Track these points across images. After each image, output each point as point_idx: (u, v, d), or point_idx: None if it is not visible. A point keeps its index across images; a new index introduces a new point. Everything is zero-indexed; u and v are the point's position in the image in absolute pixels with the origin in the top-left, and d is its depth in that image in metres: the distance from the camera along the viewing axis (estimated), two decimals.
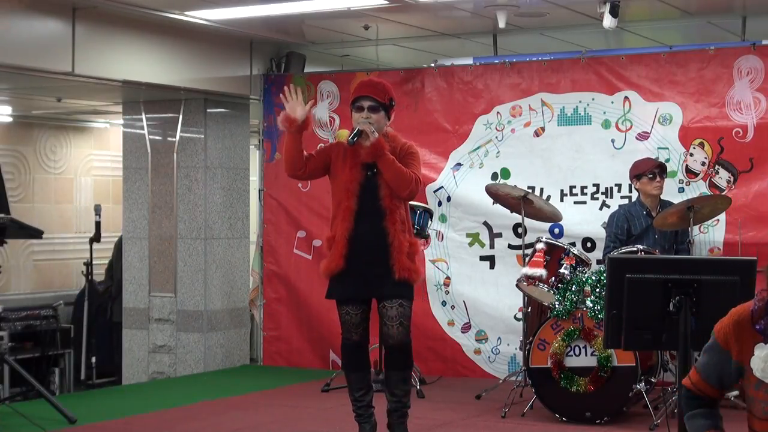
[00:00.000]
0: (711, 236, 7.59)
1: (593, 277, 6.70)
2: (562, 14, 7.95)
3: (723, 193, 7.46)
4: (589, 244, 7.88)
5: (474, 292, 8.33)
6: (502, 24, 7.94)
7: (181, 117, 9.24)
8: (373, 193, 5.59)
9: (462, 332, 8.43)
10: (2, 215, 7.21)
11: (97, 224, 9.07)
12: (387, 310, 5.58)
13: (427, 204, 8.16)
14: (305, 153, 5.75)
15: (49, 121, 11.25)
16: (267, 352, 9.23)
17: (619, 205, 7.67)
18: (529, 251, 7.13)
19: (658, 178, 7.22)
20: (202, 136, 9.15)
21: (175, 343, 9.22)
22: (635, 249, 6.83)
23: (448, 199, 8.40)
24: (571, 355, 6.59)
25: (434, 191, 8.44)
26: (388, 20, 8.23)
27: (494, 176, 8.26)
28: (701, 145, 7.67)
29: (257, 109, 9.33)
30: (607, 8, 7.44)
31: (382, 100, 5.67)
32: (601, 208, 7.94)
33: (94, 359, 9.18)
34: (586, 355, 6.58)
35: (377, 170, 5.58)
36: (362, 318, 5.66)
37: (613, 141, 7.93)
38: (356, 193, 5.60)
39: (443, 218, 8.43)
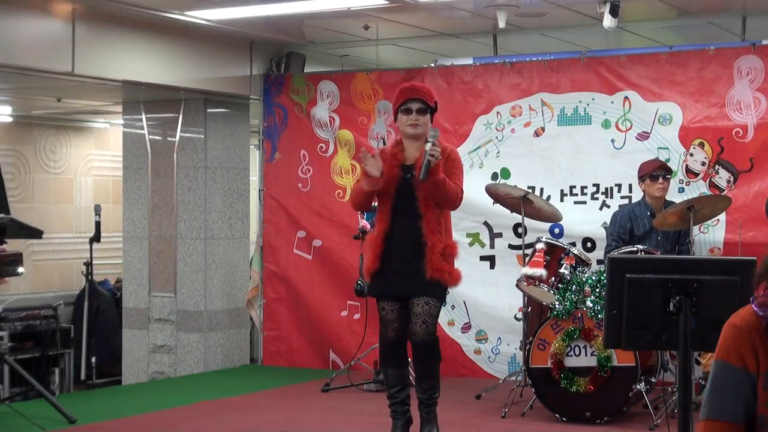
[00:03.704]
0: (711, 236, 7.59)
1: (593, 277, 6.70)
2: (562, 14, 7.95)
3: (723, 193, 7.45)
4: (589, 244, 7.88)
5: (474, 292, 8.33)
6: (502, 24, 7.93)
7: (181, 117, 9.24)
8: (410, 195, 5.67)
9: (462, 332, 8.43)
10: (2, 215, 7.20)
11: (97, 224, 9.06)
12: (413, 307, 5.70)
13: None
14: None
15: (49, 121, 11.25)
16: (267, 352, 9.23)
17: (622, 205, 7.67)
18: (529, 251, 7.13)
19: (660, 180, 7.21)
20: (202, 136, 9.16)
21: (175, 343, 9.22)
22: (635, 249, 6.84)
23: None
24: (571, 355, 6.60)
25: None
26: (388, 20, 8.23)
27: (494, 176, 8.26)
28: (701, 145, 7.67)
29: (257, 109, 9.34)
30: (607, 8, 7.45)
31: (429, 102, 5.78)
32: (601, 208, 7.94)
33: (94, 359, 9.18)
34: (586, 355, 6.58)
35: (413, 174, 5.67)
36: (398, 315, 5.74)
37: (613, 141, 7.93)
38: (392, 195, 5.72)
39: None
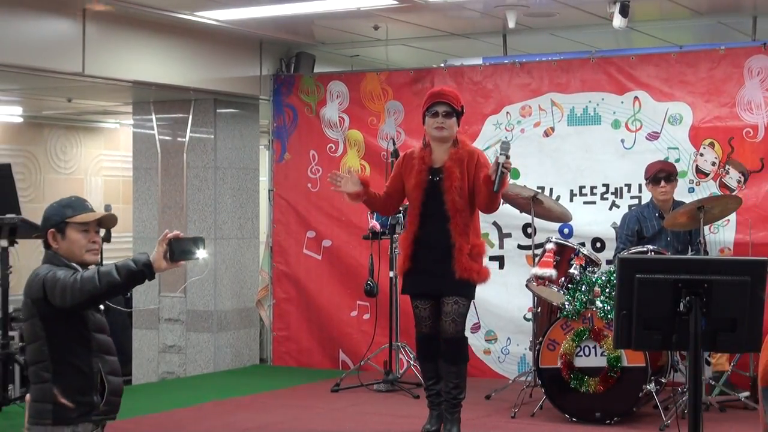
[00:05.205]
0: (721, 236, 7.57)
1: (603, 277, 6.70)
2: (572, 14, 7.95)
3: (733, 193, 7.44)
4: (598, 244, 7.87)
5: (483, 293, 8.24)
6: (511, 24, 7.93)
7: (191, 117, 9.26)
8: (438, 198, 5.89)
9: (471, 332, 8.40)
10: (13, 215, 7.23)
11: None
12: (443, 306, 5.96)
13: None
14: (381, 193, 6.11)
15: (59, 121, 11.28)
16: (277, 352, 9.24)
17: (631, 207, 7.66)
18: (538, 251, 7.13)
19: (662, 183, 7.18)
20: (212, 137, 9.17)
21: (184, 343, 9.23)
22: (645, 249, 6.83)
23: None
24: (581, 356, 6.59)
25: None
26: (397, 20, 8.23)
27: None
28: (711, 145, 7.65)
29: (267, 109, 9.35)
30: (617, 8, 7.44)
31: (456, 106, 5.97)
32: (610, 209, 7.93)
33: None
34: (595, 355, 6.57)
35: (442, 177, 5.89)
36: (431, 312, 6.01)
37: (622, 141, 7.92)
38: (420, 198, 5.95)
39: None
